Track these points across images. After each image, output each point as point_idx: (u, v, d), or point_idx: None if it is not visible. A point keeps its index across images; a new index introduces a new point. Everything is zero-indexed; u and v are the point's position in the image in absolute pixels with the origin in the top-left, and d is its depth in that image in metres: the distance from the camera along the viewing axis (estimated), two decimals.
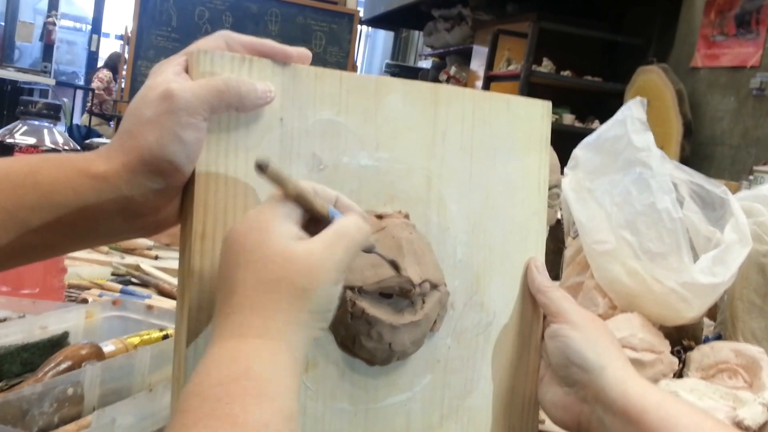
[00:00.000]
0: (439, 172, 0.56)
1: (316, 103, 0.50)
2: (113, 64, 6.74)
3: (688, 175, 0.84)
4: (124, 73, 6.48)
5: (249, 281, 0.40)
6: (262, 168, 0.41)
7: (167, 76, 0.45)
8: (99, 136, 5.56)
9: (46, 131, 0.78)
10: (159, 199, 0.44)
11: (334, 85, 0.51)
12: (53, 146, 0.79)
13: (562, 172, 0.88)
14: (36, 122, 0.79)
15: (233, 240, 0.41)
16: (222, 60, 0.47)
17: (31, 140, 0.78)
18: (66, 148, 0.79)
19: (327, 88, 0.51)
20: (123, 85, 5.29)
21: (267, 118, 0.48)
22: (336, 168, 0.51)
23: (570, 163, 0.91)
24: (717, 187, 0.83)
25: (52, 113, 0.78)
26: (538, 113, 0.62)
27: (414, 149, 0.55)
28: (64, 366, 0.50)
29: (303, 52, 0.50)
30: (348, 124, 0.52)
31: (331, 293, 0.42)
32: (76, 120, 6.64)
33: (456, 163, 0.57)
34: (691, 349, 0.84)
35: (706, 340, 0.89)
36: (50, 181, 0.42)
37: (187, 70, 0.46)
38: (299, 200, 0.42)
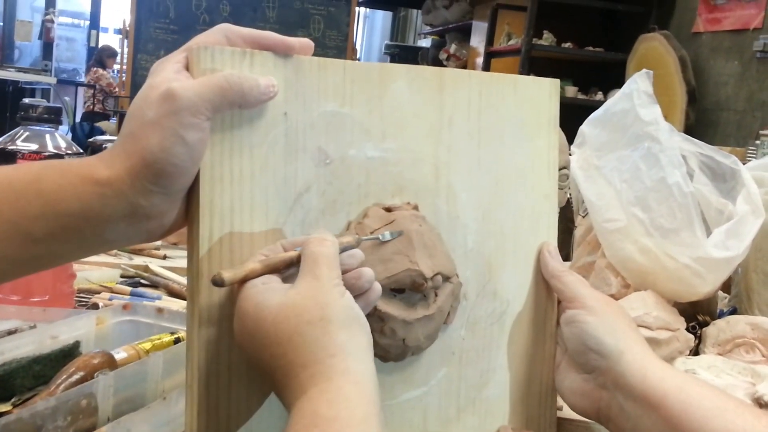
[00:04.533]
0: (447, 159, 0.55)
1: (320, 95, 0.49)
2: (100, 58, 6.70)
3: (697, 147, 0.83)
4: (116, 66, 6.45)
5: (272, 349, 0.40)
6: (220, 284, 0.43)
7: (168, 74, 0.44)
8: (102, 133, 5.55)
9: (48, 136, 0.77)
10: (164, 203, 0.43)
11: (338, 76, 0.50)
12: (56, 151, 0.78)
13: (569, 151, 0.87)
14: (37, 127, 0.78)
15: (239, 337, 0.43)
16: (222, 55, 0.46)
17: (34, 146, 0.77)
18: (69, 152, 0.78)
19: (330, 78, 0.50)
20: (124, 79, 5.27)
21: (271, 114, 0.47)
22: (342, 161, 0.51)
23: (577, 140, 0.89)
24: (727, 158, 0.81)
25: (53, 117, 0.77)
26: (546, 92, 0.60)
27: (421, 137, 0.54)
28: (76, 377, 0.49)
29: (305, 42, 0.49)
30: (353, 115, 0.51)
31: (345, 304, 0.42)
32: (79, 118, 6.62)
33: (464, 149, 0.56)
34: (706, 324, 0.83)
35: (721, 314, 0.88)
36: (53, 189, 0.41)
37: (187, 68, 0.45)
38: (268, 270, 0.44)
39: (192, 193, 0.46)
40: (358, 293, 0.45)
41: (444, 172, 0.55)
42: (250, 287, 0.43)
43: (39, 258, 0.43)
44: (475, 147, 0.57)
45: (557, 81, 0.60)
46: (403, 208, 0.52)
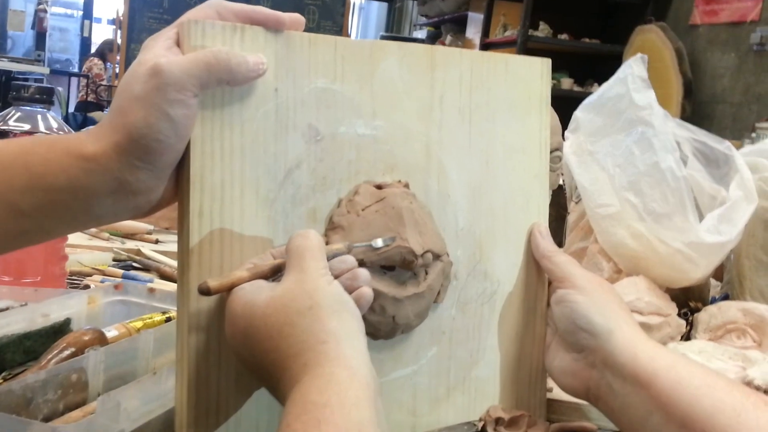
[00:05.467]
0: (438, 138, 0.55)
1: (311, 71, 0.49)
2: (102, 51, 6.68)
3: (691, 133, 0.83)
4: (117, 59, 6.41)
5: (264, 344, 0.40)
6: (206, 293, 0.42)
7: (157, 50, 0.44)
8: (95, 123, 5.52)
9: (39, 117, 0.77)
10: (151, 179, 0.43)
11: (329, 52, 0.50)
12: (48, 132, 0.77)
13: (563, 137, 0.87)
14: (29, 108, 0.77)
15: (232, 341, 0.43)
16: (213, 30, 0.46)
17: (26, 126, 0.77)
18: (60, 132, 0.78)
19: (321, 55, 0.50)
20: (117, 71, 5.24)
21: (261, 90, 0.47)
22: (333, 138, 0.50)
23: (571, 125, 0.89)
24: (721, 144, 0.82)
25: (45, 97, 0.77)
26: (538, 71, 0.60)
27: (412, 115, 0.54)
28: (67, 353, 0.49)
29: (296, 17, 0.49)
30: (344, 92, 0.51)
31: (333, 291, 0.42)
32: (72, 109, 6.59)
33: (455, 128, 0.56)
34: (698, 310, 0.83)
35: (713, 300, 0.88)
36: (41, 163, 0.41)
37: (178, 43, 0.45)
38: (256, 277, 0.44)
39: (182, 169, 0.46)
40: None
41: (435, 151, 0.55)
42: (237, 290, 0.43)
43: (28, 232, 0.43)
44: (466, 125, 0.56)
45: (548, 60, 0.60)
46: (393, 186, 0.52)
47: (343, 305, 0.42)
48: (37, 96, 0.75)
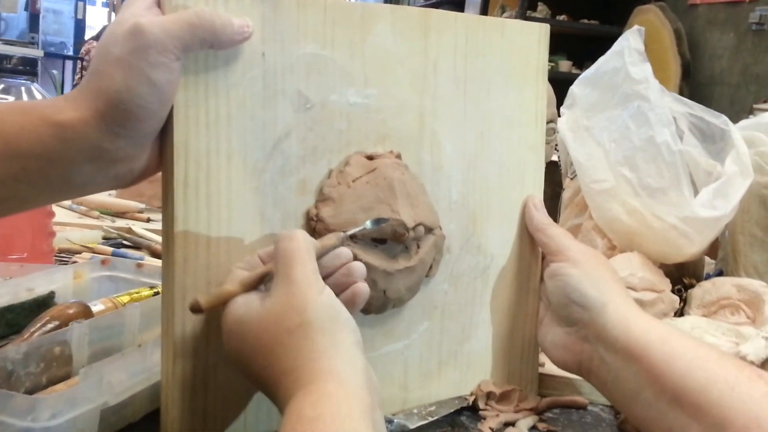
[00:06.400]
0: (432, 108, 0.54)
1: (300, 36, 0.48)
2: (99, 37, 6.60)
3: (687, 108, 0.82)
4: None
5: (258, 361, 0.40)
6: (197, 310, 0.42)
7: (136, 9, 0.42)
8: None
9: (23, 88, 0.75)
10: (131, 147, 0.42)
11: (318, 16, 0.48)
12: None
13: (558, 113, 0.86)
14: (12, 80, 0.75)
15: (229, 355, 0.43)
16: None
17: (9, 98, 0.75)
18: None
19: (310, 19, 0.48)
20: None
21: (248, 54, 0.46)
22: (323, 106, 0.49)
23: (567, 101, 0.88)
24: (717, 118, 0.81)
25: (29, 69, 0.75)
26: (535, 38, 0.59)
27: (405, 84, 0.52)
28: (50, 326, 0.48)
29: None
30: (335, 58, 0.49)
31: (324, 303, 0.41)
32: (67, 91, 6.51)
33: (449, 97, 0.55)
34: (692, 287, 0.83)
35: (708, 277, 0.88)
36: (14, 131, 0.39)
37: (159, 4, 0.43)
38: (246, 289, 0.43)
39: (165, 136, 0.44)
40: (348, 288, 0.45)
41: (428, 121, 0.54)
42: (229, 306, 0.42)
43: (5, 200, 0.42)
44: (460, 95, 0.55)
45: (547, 26, 0.59)
46: (385, 156, 0.51)
47: (334, 319, 0.41)
48: (21, 67, 0.73)
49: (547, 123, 0.63)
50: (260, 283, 0.43)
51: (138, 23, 0.40)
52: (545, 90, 0.59)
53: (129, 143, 0.41)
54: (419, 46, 0.53)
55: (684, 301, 0.82)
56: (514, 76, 0.58)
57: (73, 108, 0.40)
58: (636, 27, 0.78)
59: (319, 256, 0.44)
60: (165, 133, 0.44)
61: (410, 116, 0.53)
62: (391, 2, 7.78)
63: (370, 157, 0.51)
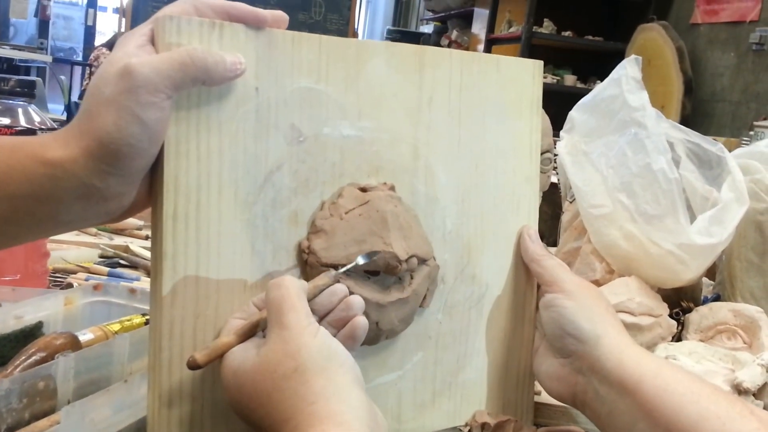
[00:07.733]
0: (426, 140, 0.54)
1: (294, 71, 0.48)
2: (112, 43, 6.64)
3: (684, 134, 0.82)
4: None
5: (258, 410, 0.40)
6: (195, 367, 0.42)
7: (128, 49, 0.42)
8: None
9: (20, 110, 0.75)
10: (121, 184, 0.41)
11: (313, 51, 0.48)
12: (28, 125, 0.76)
13: (558, 135, 0.86)
14: (10, 101, 0.75)
15: (232, 407, 0.43)
16: (190, 26, 0.44)
17: (6, 120, 0.75)
18: (42, 127, 0.76)
19: (305, 54, 0.48)
20: None
21: (241, 89, 0.46)
22: (316, 139, 0.49)
23: (566, 125, 0.88)
24: (713, 145, 0.80)
25: (26, 91, 0.75)
26: (529, 73, 0.59)
27: (399, 117, 0.52)
28: (35, 358, 0.48)
29: (278, 15, 0.47)
30: (328, 92, 0.49)
31: (318, 345, 0.41)
32: (75, 98, 6.53)
33: (443, 129, 0.54)
34: (690, 310, 0.82)
35: (705, 301, 0.87)
36: (2, 170, 0.39)
37: (153, 41, 0.43)
38: (242, 339, 0.43)
39: (155, 171, 0.44)
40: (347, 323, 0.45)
41: (423, 153, 0.54)
42: (227, 358, 0.42)
43: None
44: (455, 127, 0.55)
45: (540, 62, 0.59)
46: (378, 189, 0.51)
47: (329, 360, 0.41)
48: (18, 89, 0.73)
49: (543, 153, 0.63)
50: (256, 330, 0.44)
51: (128, 64, 0.40)
52: (539, 123, 0.59)
53: (119, 181, 0.41)
54: (414, 80, 0.53)
55: (682, 325, 0.82)
56: (509, 109, 0.58)
57: (62, 146, 0.40)
58: (633, 56, 0.79)
59: (311, 297, 0.44)
60: (155, 167, 0.44)
61: (404, 148, 0.53)
62: (398, 15, 7.86)
63: (364, 189, 0.51)
